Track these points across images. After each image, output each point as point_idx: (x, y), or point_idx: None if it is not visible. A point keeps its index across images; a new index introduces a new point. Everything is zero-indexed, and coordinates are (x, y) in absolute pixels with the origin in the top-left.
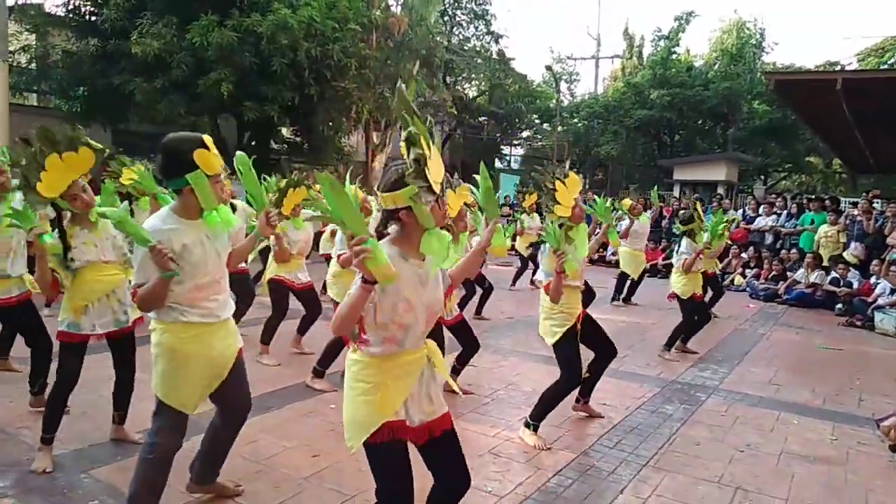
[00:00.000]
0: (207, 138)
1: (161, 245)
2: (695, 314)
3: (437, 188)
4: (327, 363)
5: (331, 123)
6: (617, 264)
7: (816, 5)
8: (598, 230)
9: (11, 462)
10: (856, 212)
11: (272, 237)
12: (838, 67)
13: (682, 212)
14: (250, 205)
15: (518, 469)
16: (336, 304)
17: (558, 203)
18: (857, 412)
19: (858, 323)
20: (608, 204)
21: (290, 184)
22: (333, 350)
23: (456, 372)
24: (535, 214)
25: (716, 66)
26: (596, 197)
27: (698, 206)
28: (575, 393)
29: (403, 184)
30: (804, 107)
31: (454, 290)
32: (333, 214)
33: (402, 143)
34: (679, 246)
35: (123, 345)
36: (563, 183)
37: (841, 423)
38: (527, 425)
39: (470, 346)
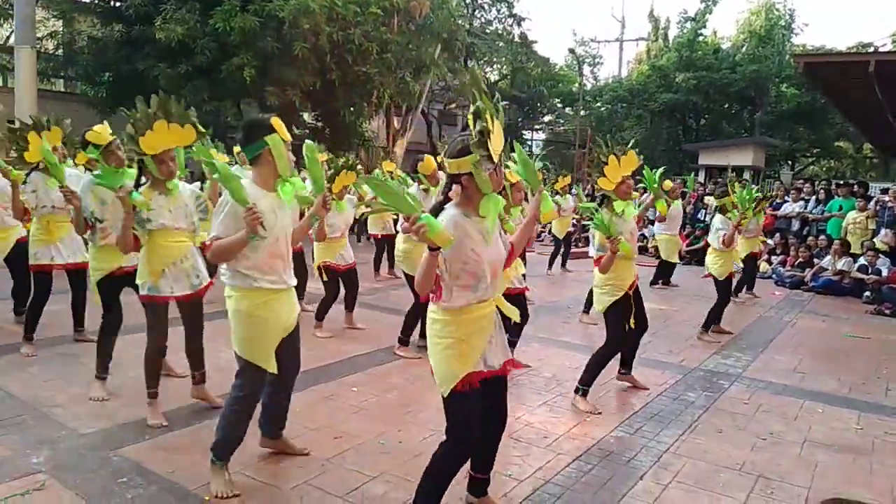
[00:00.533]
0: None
1: (255, 207)
2: (728, 294)
3: (496, 157)
4: (409, 331)
5: (352, 108)
6: (654, 251)
7: None
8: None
9: (44, 440)
10: (886, 198)
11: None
12: (871, 49)
13: (717, 187)
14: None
15: (538, 453)
16: (408, 276)
17: (604, 176)
18: (884, 401)
19: (887, 311)
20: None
21: (341, 167)
22: (412, 319)
23: (512, 345)
24: (569, 195)
25: (743, 49)
26: (645, 167)
27: (735, 183)
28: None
29: (468, 152)
30: (835, 90)
31: (514, 259)
32: (388, 203)
33: (470, 116)
34: (713, 224)
35: (196, 307)
36: (618, 159)
37: (867, 413)
38: (576, 391)
39: (523, 318)
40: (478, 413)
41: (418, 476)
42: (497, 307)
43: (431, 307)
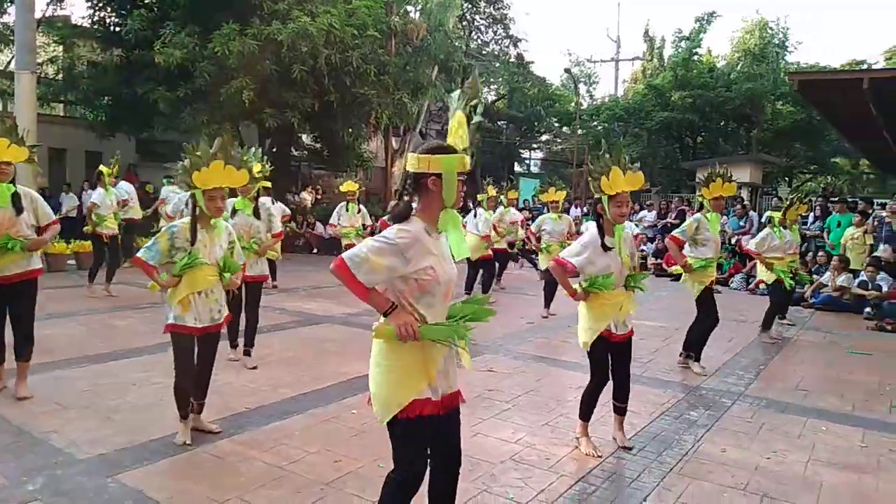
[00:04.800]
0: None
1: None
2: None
3: (467, 168)
4: None
5: (350, 129)
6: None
7: (841, 4)
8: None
9: (40, 466)
10: (884, 213)
11: None
12: (865, 66)
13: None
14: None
15: (540, 475)
16: None
17: (599, 186)
18: (889, 419)
19: (889, 327)
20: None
21: None
22: None
23: None
24: (565, 215)
25: (738, 67)
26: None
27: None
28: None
29: (450, 151)
30: (830, 107)
31: None
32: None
33: (455, 119)
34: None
35: (212, 340)
36: (623, 171)
37: (871, 430)
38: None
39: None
40: (423, 445)
41: (417, 498)
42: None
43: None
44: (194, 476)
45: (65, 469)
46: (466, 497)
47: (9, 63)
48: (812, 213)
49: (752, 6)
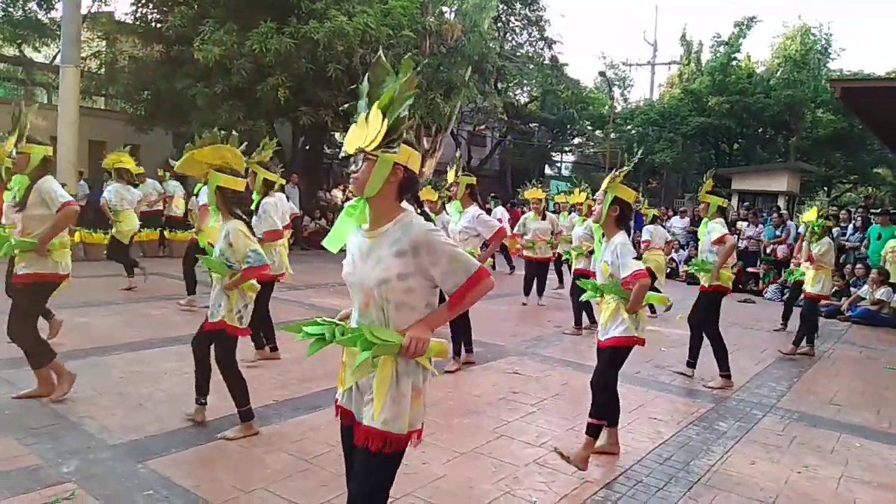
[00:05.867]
0: None
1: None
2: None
3: (350, 149)
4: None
5: None
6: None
7: (887, 10)
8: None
9: (74, 450)
10: None
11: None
12: None
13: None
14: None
15: (564, 480)
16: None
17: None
18: None
19: None
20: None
21: None
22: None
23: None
24: (552, 216)
25: (778, 73)
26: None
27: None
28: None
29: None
30: (873, 116)
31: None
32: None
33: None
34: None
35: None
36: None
37: None
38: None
39: None
40: (346, 449)
41: (441, 498)
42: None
43: None
44: (222, 465)
45: (97, 453)
46: (489, 499)
47: (55, 57)
48: (852, 224)
49: (794, 11)
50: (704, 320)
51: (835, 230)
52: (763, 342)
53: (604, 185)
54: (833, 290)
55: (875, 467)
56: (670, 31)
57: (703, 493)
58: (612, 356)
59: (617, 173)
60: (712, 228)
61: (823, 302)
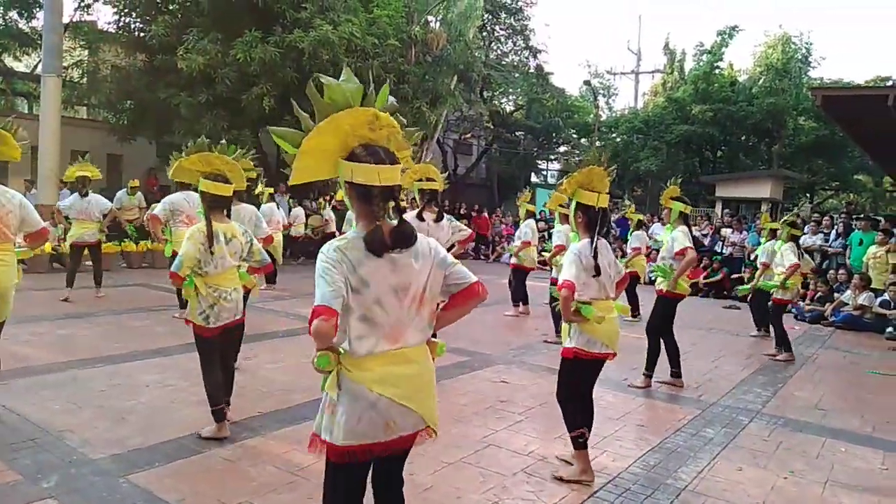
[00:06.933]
0: None
1: None
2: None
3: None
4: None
5: None
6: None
7: (866, 20)
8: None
9: (54, 464)
10: None
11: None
12: (890, 82)
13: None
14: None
15: (552, 490)
16: None
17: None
18: None
19: None
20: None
21: None
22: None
23: None
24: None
25: (760, 82)
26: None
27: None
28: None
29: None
30: (853, 123)
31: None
32: None
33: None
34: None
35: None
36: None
37: (892, 453)
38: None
39: None
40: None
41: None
42: None
43: None
44: (206, 479)
45: (78, 468)
46: None
47: (35, 67)
48: (834, 230)
49: (775, 20)
50: (660, 326)
51: (815, 238)
52: (748, 348)
53: (568, 191)
54: (818, 296)
55: (860, 472)
56: (653, 40)
57: (691, 499)
58: (561, 367)
59: (567, 178)
60: (676, 237)
61: (808, 307)
